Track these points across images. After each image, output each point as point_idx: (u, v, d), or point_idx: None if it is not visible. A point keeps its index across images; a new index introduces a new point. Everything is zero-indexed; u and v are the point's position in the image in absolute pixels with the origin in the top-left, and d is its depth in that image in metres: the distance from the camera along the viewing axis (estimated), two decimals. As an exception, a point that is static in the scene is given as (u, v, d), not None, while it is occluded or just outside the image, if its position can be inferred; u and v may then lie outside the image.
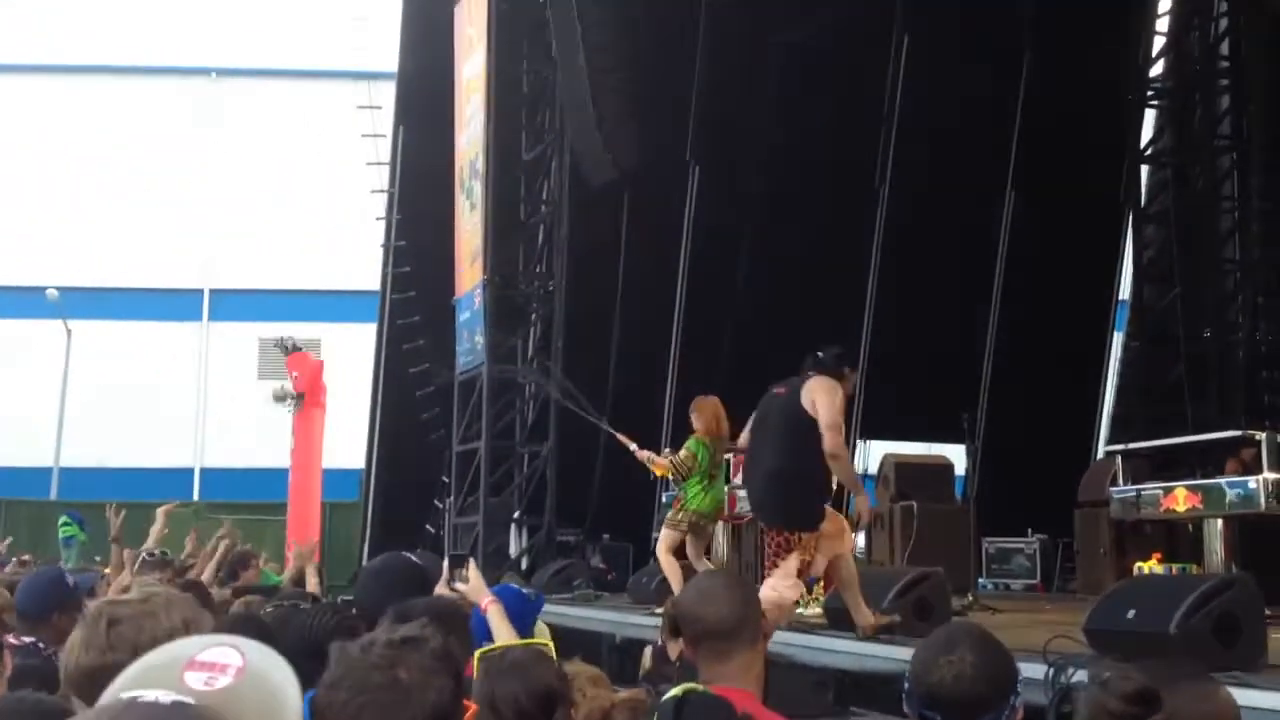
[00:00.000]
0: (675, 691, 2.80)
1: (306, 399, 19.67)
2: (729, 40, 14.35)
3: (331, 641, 2.13)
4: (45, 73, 31.34)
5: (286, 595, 5.83)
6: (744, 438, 7.40)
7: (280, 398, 30.76)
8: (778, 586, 6.52)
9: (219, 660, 1.37)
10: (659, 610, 7.81)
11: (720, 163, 14.91)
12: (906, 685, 2.68)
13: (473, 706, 2.08)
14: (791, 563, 6.46)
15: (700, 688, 2.69)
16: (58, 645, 3.69)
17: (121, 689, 1.34)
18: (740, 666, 2.96)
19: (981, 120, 14.72)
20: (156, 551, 8.47)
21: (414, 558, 4.36)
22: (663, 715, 2.70)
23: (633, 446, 10.66)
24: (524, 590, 4.42)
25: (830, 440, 6.66)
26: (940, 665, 2.58)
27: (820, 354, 6.94)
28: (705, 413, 9.71)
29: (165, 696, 1.25)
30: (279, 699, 1.38)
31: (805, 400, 6.70)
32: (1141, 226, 15.91)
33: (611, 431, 10.38)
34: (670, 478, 10.47)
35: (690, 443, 9.81)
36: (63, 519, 20.10)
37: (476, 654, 3.40)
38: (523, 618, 4.00)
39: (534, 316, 16.70)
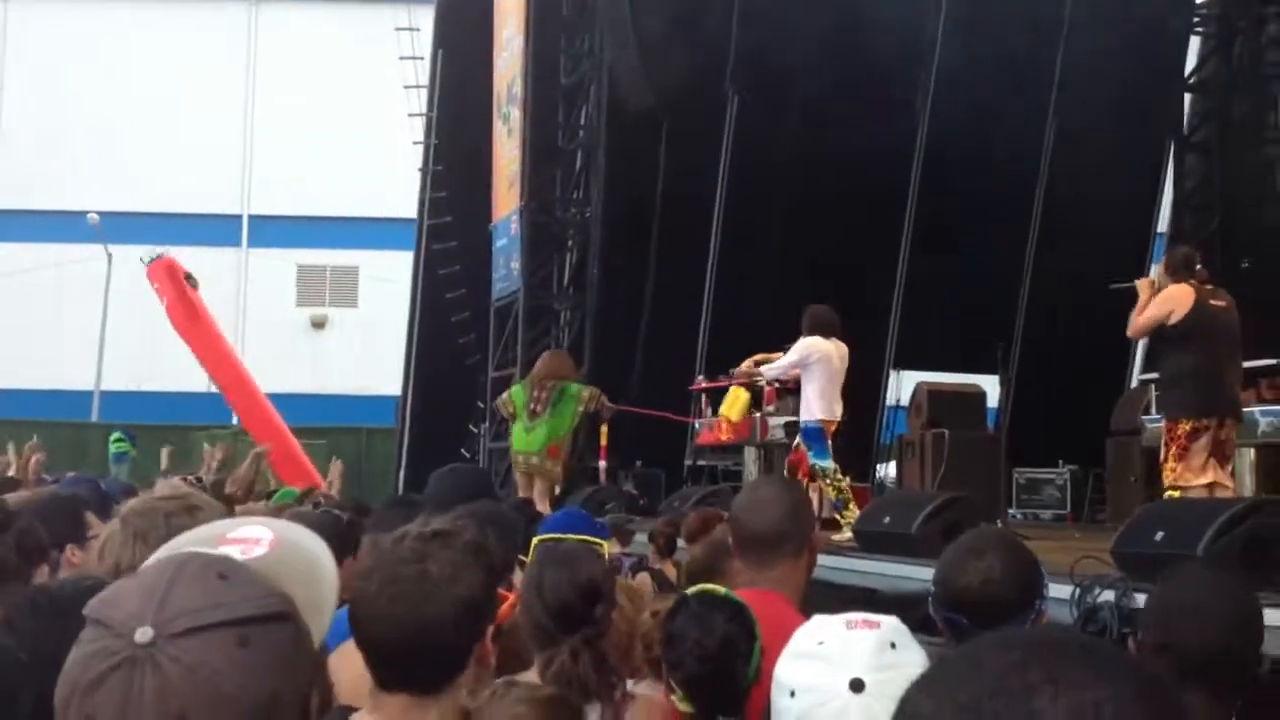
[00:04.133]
0: (690, 591, 2.87)
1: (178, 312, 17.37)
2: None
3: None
4: (84, -3, 31.38)
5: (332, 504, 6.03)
6: (1143, 324, 7.36)
7: (318, 324, 31.13)
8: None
9: (252, 535, 1.43)
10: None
11: (759, 91, 14.79)
12: (933, 589, 2.73)
13: (510, 597, 2.16)
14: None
15: (716, 589, 2.74)
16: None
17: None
18: (780, 575, 3.01)
19: (1024, 46, 14.52)
20: (191, 477, 8.73)
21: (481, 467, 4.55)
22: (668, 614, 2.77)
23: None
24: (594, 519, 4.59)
25: None
26: (968, 570, 2.62)
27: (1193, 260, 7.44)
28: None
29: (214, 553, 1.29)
30: (315, 564, 1.44)
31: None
32: (1183, 156, 15.73)
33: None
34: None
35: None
36: (115, 435, 20.41)
37: (534, 540, 3.53)
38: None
39: (570, 244, 16.71)
